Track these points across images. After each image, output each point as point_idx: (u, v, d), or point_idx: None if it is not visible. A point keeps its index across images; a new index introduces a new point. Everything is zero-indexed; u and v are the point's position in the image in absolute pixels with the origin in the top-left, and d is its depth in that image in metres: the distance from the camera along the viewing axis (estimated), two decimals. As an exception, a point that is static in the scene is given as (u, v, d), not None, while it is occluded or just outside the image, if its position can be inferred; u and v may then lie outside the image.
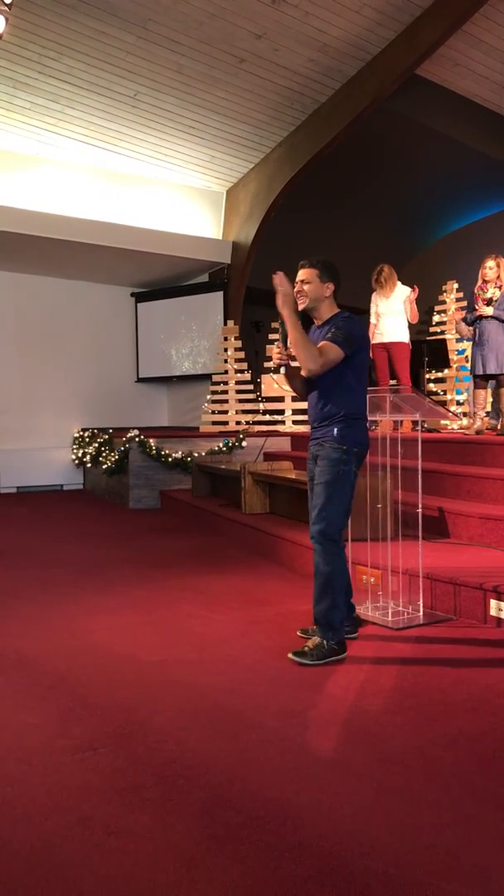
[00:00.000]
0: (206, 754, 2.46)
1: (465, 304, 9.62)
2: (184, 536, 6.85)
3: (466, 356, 9.36)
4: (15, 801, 2.19)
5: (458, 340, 9.47)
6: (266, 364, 9.73)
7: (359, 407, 3.56)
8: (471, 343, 7.00)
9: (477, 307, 6.82)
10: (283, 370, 3.69)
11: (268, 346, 9.75)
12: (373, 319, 7.78)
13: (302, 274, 3.60)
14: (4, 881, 1.82)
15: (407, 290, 7.67)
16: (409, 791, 2.22)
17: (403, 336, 7.69)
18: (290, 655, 3.40)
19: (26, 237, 9.27)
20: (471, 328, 6.91)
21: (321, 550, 3.49)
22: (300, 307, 3.63)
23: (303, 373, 3.52)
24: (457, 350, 9.51)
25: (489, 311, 6.65)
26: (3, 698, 3.00)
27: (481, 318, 6.74)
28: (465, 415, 8.50)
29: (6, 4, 6.14)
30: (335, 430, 3.50)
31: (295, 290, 3.60)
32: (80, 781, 2.29)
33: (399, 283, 7.69)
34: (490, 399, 7.58)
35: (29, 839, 1.99)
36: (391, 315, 7.64)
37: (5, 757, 2.47)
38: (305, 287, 3.58)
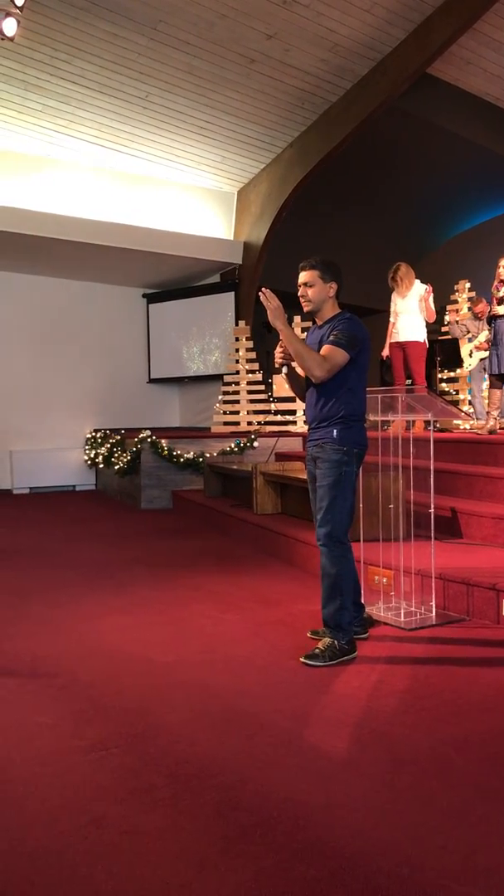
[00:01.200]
0: (218, 755, 2.47)
1: (465, 304, 9.59)
2: (195, 537, 6.85)
3: (464, 356, 9.27)
4: (28, 801, 2.19)
5: (462, 336, 9.42)
6: (277, 364, 9.71)
7: (358, 408, 3.54)
8: (470, 342, 6.97)
9: (492, 307, 6.81)
10: (284, 370, 3.68)
11: (275, 351, 9.73)
12: (391, 318, 7.74)
13: (304, 276, 3.55)
14: (18, 881, 1.82)
15: (423, 288, 7.63)
16: (421, 792, 2.21)
17: (419, 335, 7.64)
18: (301, 659, 3.39)
19: (38, 239, 9.30)
20: (467, 327, 6.87)
21: (327, 552, 3.49)
22: (306, 310, 3.61)
23: (314, 380, 3.49)
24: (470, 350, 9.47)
25: (502, 310, 6.63)
26: (16, 699, 3.01)
27: (497, 317, 6.72)
28: (468, 414, 8.46)
29: (18, 7, 6.17)
30: (334, 431, 3.48)
31: (299, 293, 3.58)
32: (92, 782, 2.30)
33: (416, 282, 7.65)
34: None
35: (42, 839, 2.00)
36: (407, 314, 7.60)
37: (18, 757, 2.48)
38: (309, 290, 3.54)
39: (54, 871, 1.86)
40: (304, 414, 9.46)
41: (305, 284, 3.55)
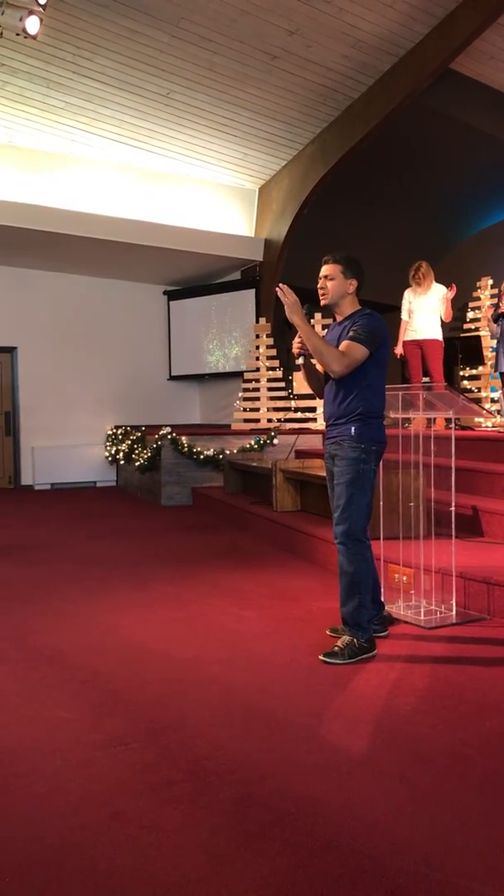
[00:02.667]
0: (237, 751, 2.47)
1: (496, 301, 9.53)
2: (215, 533, 6.87)
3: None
4: (49, 795, 2.21)
5: (492, 337, 9.37)
6: (298, 361, 9.70)
7: (377, 405, 3.52)
8: (497, 341, 6.96)
9: (501, 305, 6.79)
10: (301, 360, 3.66)
11: (293, 342, 9.71)
12: (405, 316, 7.72)
13: (325, 269, 3.55)
14: (39, 874, 1.84)
15: (443, 288, 7.60)
16: (441, 791, 2.20)
17: (437, 334, 7.62)
18: (320, 657, 3.39)
19: (60, 236, 9.35)
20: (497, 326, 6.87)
21: (345, 551, 3.48)
22: (322, 303, 3.60)
23: (333, 375, 3.48)
24: (491, 347, 9.41)
25: None
26: (37, 693, 3.03)
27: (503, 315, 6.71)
28: (498, 412, 8.40)
29: (40, 5, 6.20)
30: (352, 428, 3.46)
31: (318, 285, 3.57)
32: (112, 776, 2.32)
33: (435, 282, 7.63)
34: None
35: (62, 832, 2.02)
36: (426, 312, 7.57)
37: (39, 751, 2.50)
38: (329, 283, 3.53)
39: (74, 864, 1.87)
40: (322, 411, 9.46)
41: (326, 277, 3.55)
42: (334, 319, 3.66)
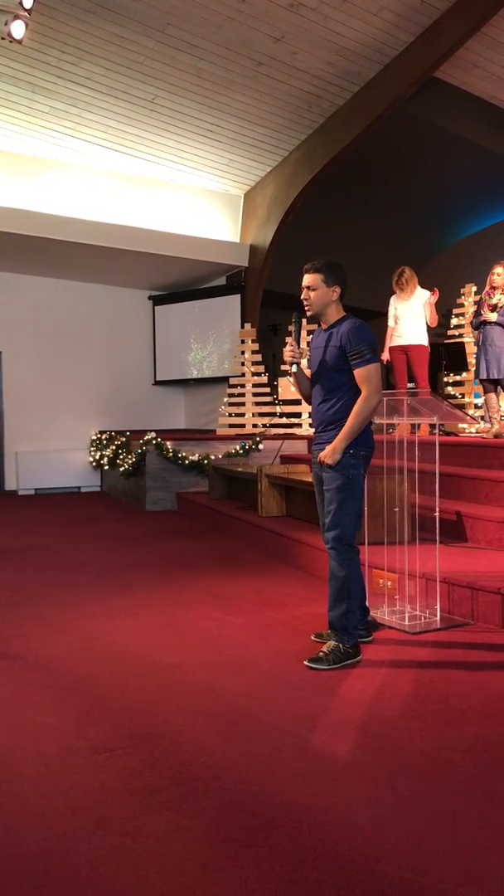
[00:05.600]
0: (221, 757, 2.46)
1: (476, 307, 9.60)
2: (200, 539, 6.85)
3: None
4: (31, 802, 2.19)
5: (475, 344, 9.43)
6: (283, 367, 9.71)
7: None
8: (477, 347, 7.03)
9: (482, 312, 6.86)
10: (293, 368, 3.67)
11: (284, 350, 9.73)
12: (391, 322, 7.75)
13: (307, 279, 3.55)
14: (21, 881, 1.82)
15: (427, 293, 7.64)
16: (425, 796, 2.20)
17: (422, 339, 7.66)
18: (305, 662, 3.39)
19: (45, 240, 9.33)
20: (476, 332, 6.95)
21: (336, 556, 3.48)
22: (307, 314, 3.61)
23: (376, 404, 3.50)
24: (474, 353, 9.47)
25: (493, 316, 6.75)
26: (20, 699, 3.01)
27: (486, 323, 6.78)
28: (482, 419, 8.45)
29: (26, 10, 6.19)
30: None
31: (301, 296, 3.57)
32: (95, 783, 2.30)
33: (419, 286, 7.66)
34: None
35: (45, 840, 2.00)
36: (410, 318, 7.61)
37: (22, 757, 2.48)
38: (312, 294, 3.54)
39: (58, 872, 1.86)
40: (309, 416, 9.46)
41: (308, 288, 3.54)
42: (319, 325, 3.67)
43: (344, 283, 3.57)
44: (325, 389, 3.54)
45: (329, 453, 3.43)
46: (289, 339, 3.69)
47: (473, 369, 9.34)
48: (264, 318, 11.57)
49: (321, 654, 3.40)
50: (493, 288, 6.87)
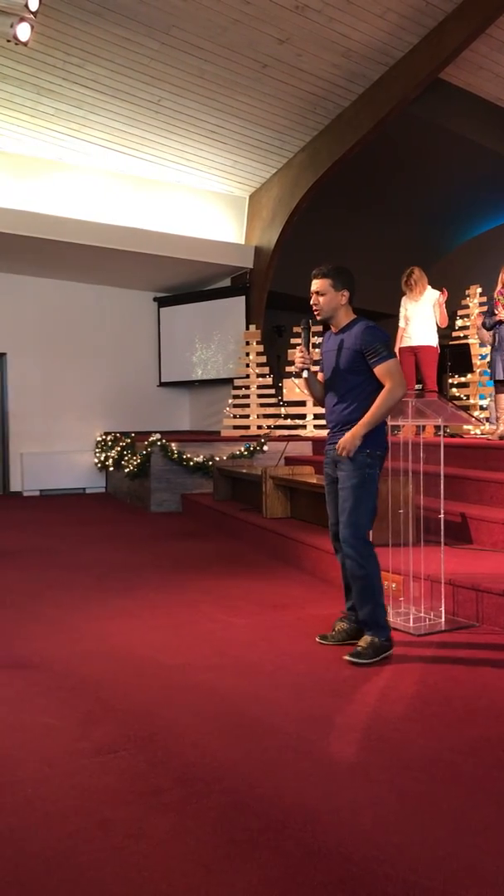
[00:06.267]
0: (226, 759, 2.46)
1: (486, 308, 9.57)
2: (205, 540, 6.85)
3: (488, 361, 9.30)
4: (36, 803, 2.20)
5: (480, 345, 9.40)
6: (288, 368, 9.72)
7: None
8: (491, 348, 6.99)
9: (497, 312, 6.81)
10: (305, 374, 3.70)
11: (289, 351, 9.74)
12: (402, 323, 7.73)
13: (315, 285, 3.60)
14: (24, 882, 1.83)
15: (436, 293, 7.62)
16: (429, 798, 2.20)
17: (432, 340, 7.63)
18: (346, 657, 3.44)
19: (50, 242, 9.34)
20: (489, 333, 6.90)
21: (354, 554, 3.51)
22: (317, 318, 3.65)
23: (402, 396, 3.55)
24: (479, 355, 9.45)
25: None
26: (25, 700, 3.01)
27: (500, 322, 6.73)
28: (487, 420, 8.43)
29: (32, 12, 6.20)
30: None
31: (311, 301, 3.61)
32: (100, 784, 2.30)
33: (429, 287, 7.64)
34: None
35: (49, 841, 2.00)
36: (420, 318, 7.58)
37: (27, 758, 2.48)
38: (321, 299, 3.59)
39: (61, 874, 1.86)
40: (314, 418, 9.46)
41: (317, 293, 3.60)
42: (328, 329, 3.69)
43: (352, 287, 3.63)
44: (340, 391, 3.60)
45: (349, 439, 3.46)
46: (298, 345, 3.73)
47: (479, 370, 9.33)
48: (269, 319, 11.56)
49: (359, 649, 3.46)
50: None
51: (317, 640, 3.76)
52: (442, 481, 4.18)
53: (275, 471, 6.76)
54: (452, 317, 10.08)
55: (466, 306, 9.99)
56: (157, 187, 10.43)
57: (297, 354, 3.68)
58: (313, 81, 8.43)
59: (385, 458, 3.63)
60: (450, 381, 9.24)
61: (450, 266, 13.44)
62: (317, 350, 4.02)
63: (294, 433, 9.61)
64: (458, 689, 3.08)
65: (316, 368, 3.80)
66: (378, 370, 3.48)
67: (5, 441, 11.05)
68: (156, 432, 9.35)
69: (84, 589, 4.93)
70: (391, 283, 7.80)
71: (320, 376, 3.80)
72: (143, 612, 4.37)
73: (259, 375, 10.09)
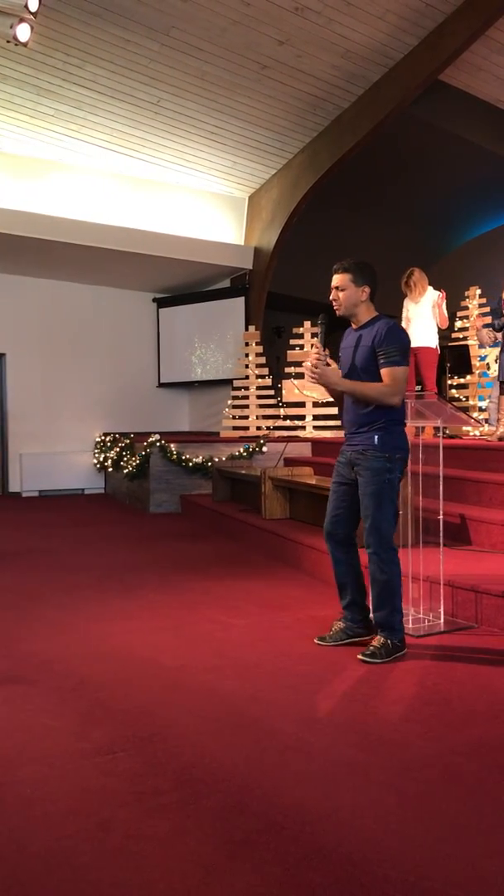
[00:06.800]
0: (225, 760, 2.46)
1: (486, 310, 9.57)
2: (204, 541, 6.85)
3: (488, 363, 9.31)
4: (35, 803, 2.20)
5: (479, 347, 9.41)
6: (287, 369, 9.73)
7: (399, 412, 3.55)
8: (495, 349, 6.98)
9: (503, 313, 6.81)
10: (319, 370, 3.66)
11: (289, 352, 9.74)
12: (403, 324, 7.73)
13: (336, 280, 3.55)
14: (23, 882, 1.82)
15: (436, 294, 7.62)
16: (428, 800, 2.20)
17: (432, 341, 7.62)
18: (360, 657, 3.46)
19: (50, 243, 9.34)
20: (494, 335, 6.89)
21: (377, 559, 3.51)
22: (337, 314, 3.61)
23: (395, 406, 3.50)
24: (479, 356, 9.45)
25: None
26: (24, 701, 3.01)
27: None
28: (486, 421, 8.43)
29: (31, 13, 6.20)
30: (375, 437, 3.48)
31: (331, 296, 3.57)
32: (99, 785, 2.30)
33: (429, 288, 7.64)
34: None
35: (48, 841, 2.00)
36: (420, 319, 7.58)
37: (26, 759, 2.48)
38: (341, 294, 3.54)
39: (61, 875, 1.86)
40: (313, 419, 9.45)
41: (337, 288, 3.55)
42: (350, 325, 3.65)
43: (374, 284, 3.57)
44: None
45: (328, 371, 3.47)
46: (314, 342, 3.68)
47: (479, 372, 9.34)
48: (268, 320, 11.56)
49: (373, 649, 3.48)
50: None
51: (315, 641, 3.76)
52: (441, 482, 4.19)
53: (274, 472, 6.76)
54: (452, 318, 10.08)
55: (466, 307, 9.99)
56: (156, 188, 10.43)
57: (312, 352, 3.63)
58: (313, 83, 8.43)
59: (406, 461, 3.59)
60: (449, 382, 9.25)
61: (449, 267, 13.45)
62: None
63: (293, 434, 9.61)
64: (458, 690, 3.08)
65: (335, 366, 3.74)
66: (383, 372, 3.42)
67: (4, 441, 11.05)
68: (155, 433, 9.35)
69: (83, 590, 4.93)
70: (390, 284, 7.79)
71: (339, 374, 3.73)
72: (143, 612, 4.37)
73: (258, 376, 10.09)
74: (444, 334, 9.72)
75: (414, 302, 7.60)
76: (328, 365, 3.58)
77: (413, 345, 7.54)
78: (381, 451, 3.46)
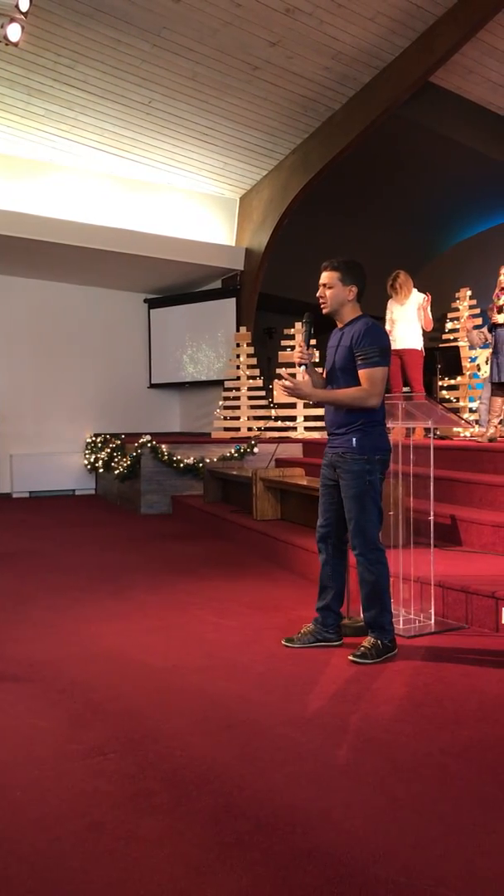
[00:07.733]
0: (216, 761, 2.46)
1: (477, 311, 9.61)
2: (195, 542, 6.85)
3: (478, 364, 9.35)
4: (25, 806, 2.19)
5: (470, 348, 9.44)
6: (278, 370, 9.71)
7: (377, 413, 3.54)
8: (485, 350, 7.01)
9: (491, 316, 6.84)
10: (303, 368, 3.66)
11: (280, 353, 9.75)
12: (388, 326, 7.76)
13: (323, 277, 3.55)
14: (14, 885, 1.82)
15: (421, 296, 7.66)
16: (419, 800, 2.20)
17: (417, 343, 7.67)
18: (350, 658, 3.46)
19: (40, 243, 9.31)
20: (484, 336, 6.92)
21: (364, 560, 3.51)
22: (323, 312, 3.60)
23: (373, 408, 3.49)
24: (469, 357, 9.49)
25: (502, 318, 6.68)
26: (14, 703, 3.00)
27: (497, 326, 6.76)
28: (476, 422, 8.46)
29: (22, 13, 6.19)
30: (354, 439, 3.48)
31: (318, 293, 3.57)
32: (89, 786, 2.30)
33: (414, 290, 7.68)
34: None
35: (38, 844, 1.99)
36: (405, 322, 7.62)
37: (16, 761, 2.47)
38: (328, 292, 3.53)
39: (51, 877, 1.85)
40: (304, 420, 9.45)
41: (325, 286, 3.54)
42: (334, 324, 3.66)
43: (362, 284, 3.56)
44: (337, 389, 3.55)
45: (300, 384, 3.48)
46: (299, 341, 3.69)
47: (469, 373, 9.37)
48: (259, 321, 11.56)
49: (363, 650, 3.48)
50: (502, 290, 6.84)
51: (283, 643, 3.75)
52: (432, 483, 4.20)
53: (265, 473, 6.77)
54: (442, 320, 10.12)
55: (456, 309, 10.03)
56: (147, 189, 10.42)
57: (296, 350, 3.63)
58: (304, 84, 8.44)
59: (387, 461, 3.58)
60: (439, 383, 9.27)
61: (440, 269, 13.48)
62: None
63: (284, 435, 9.62)
64: (448, 690, 3.09)
65: (307, 377, 3.75)
66: (361, 374, 3.41)
67: (-6, 442, 11.01)
68: (146, 434, 9.34)
69: (73, 591, 4.92)
70: (380, 286, 7.82)
71: (325, 373, 3.73)
72: (133, 614, 4.36)
73: (249, 377, 10.09)
74: (435, 336, 9.77)
75: (399, 304, 7.65)
76: (312, 362, 3.60)
77: (398, 347, 7.62)
78: (360, 454, 3.46)
